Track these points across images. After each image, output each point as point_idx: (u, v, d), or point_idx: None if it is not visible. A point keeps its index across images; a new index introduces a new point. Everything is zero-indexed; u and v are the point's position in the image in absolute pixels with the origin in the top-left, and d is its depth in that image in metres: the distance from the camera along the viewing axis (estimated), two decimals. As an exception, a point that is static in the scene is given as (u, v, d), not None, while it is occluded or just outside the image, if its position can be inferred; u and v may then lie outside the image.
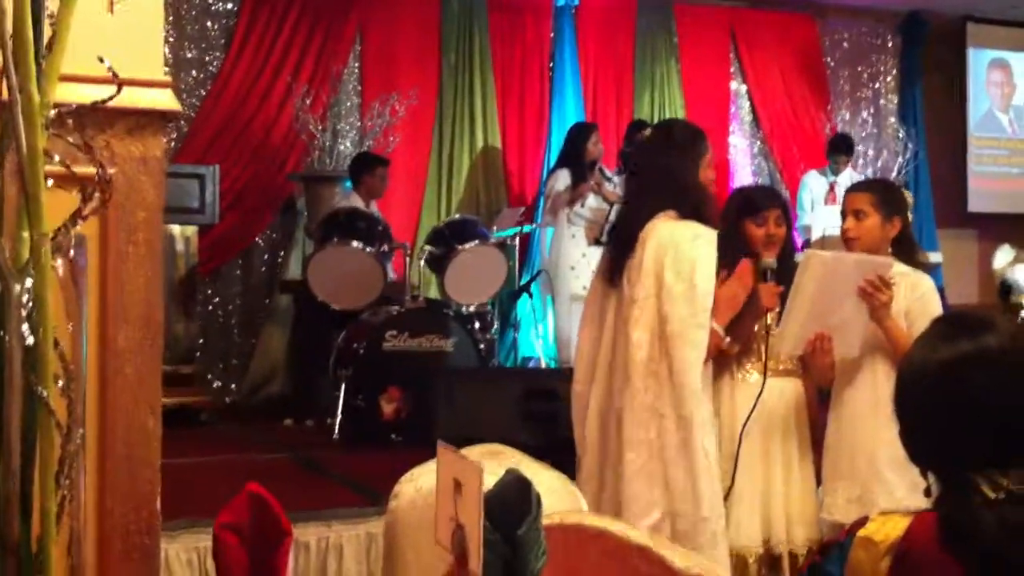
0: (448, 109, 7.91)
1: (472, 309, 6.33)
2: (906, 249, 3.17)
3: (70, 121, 1.36)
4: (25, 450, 1.27)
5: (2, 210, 1.29)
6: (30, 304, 1.26)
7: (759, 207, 3.22)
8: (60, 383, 1.29)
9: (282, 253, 7.44)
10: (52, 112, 1.34)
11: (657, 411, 2.93)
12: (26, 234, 1.27)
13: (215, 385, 7.07)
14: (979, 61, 9.76)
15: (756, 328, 3.16)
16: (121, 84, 1.44)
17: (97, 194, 1.31)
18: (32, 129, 1.27)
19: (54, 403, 1.28)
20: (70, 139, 1.33)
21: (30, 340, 1.25)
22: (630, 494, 2.93)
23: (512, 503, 1.48)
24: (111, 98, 1.37)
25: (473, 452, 2.17)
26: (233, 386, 7.19)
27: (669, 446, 2.92)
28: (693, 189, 3.05)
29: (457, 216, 6.84)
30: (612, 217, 6.23)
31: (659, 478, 2.93)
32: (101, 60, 1.33)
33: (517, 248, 6.98)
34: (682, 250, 2.95)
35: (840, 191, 7.95)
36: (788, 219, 3.29)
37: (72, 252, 1.32)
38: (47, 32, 1.36)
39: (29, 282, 1.25)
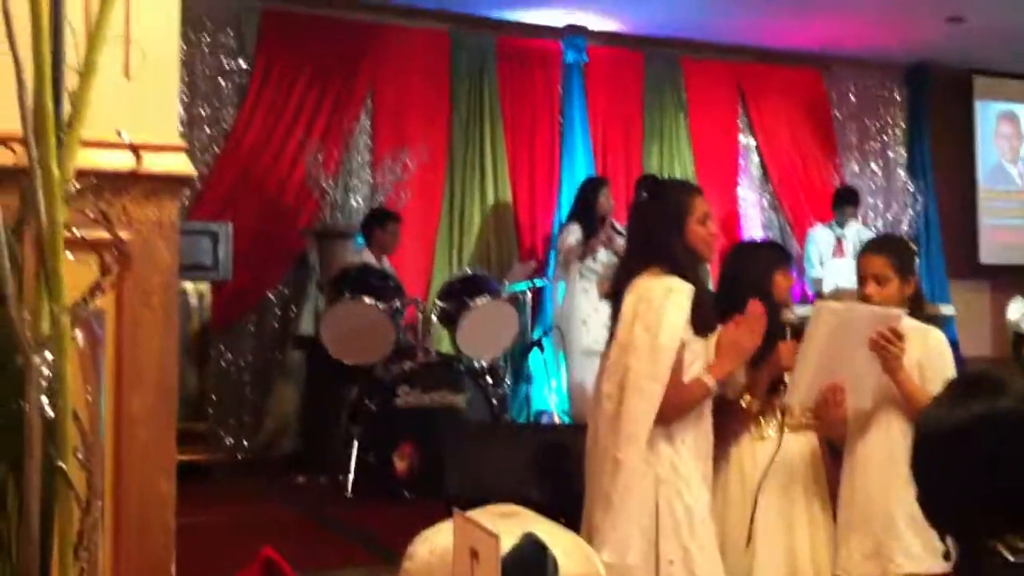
0: (459, 164, 7.96)
1: (484, 364, 6.33)
2: (917, 304, 3.18)
3: (90, 194, 1.38)
4: (44, 522, 1.27)
5: (22, 282, 1.30)
6: (50, 377, 1.26)
7: (789, 261, 3.26)
8: (79, 455, 1.30)
9: (294, 308, 7.46)
10: (73, 186, 1.35)
11: (613, 458, 2.94)
12: (46, 307, 1.28)
13: (227, 442, 7.05)
14: (987, 113, 9.80)
15: (773, 386, 3.15)
16: (139, 153, 1.46)
17: (115, 267, 1.32)
18: (52, 203, 1.29)
19: (73, 475, 1.29)
20: (89, 212, 1.35)
21: (49, 413, 1.26)
22: (590, 540, 2.93)
23: (528, 567, 1.47)
24: (134, 170, 1.39)
25: (487, 513, 2.16)
26: (245, 442, 7.17)
27: (598, 489, 2.95)
28: (673, 247, 3.06)
29: (468, 271, 6.86)
30: (620, 272, 6.24)
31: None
32: (119, 134, 1.35)
33: (529, 303, 6.98)
34: (653, 304, 2.98)
35: (847, 244, 7.98)
36: None
37: (91, 323, 1.33)
38: (66, 106, 1.39)
39: (49, 355, 1.26)
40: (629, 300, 3.04)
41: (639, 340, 2.96)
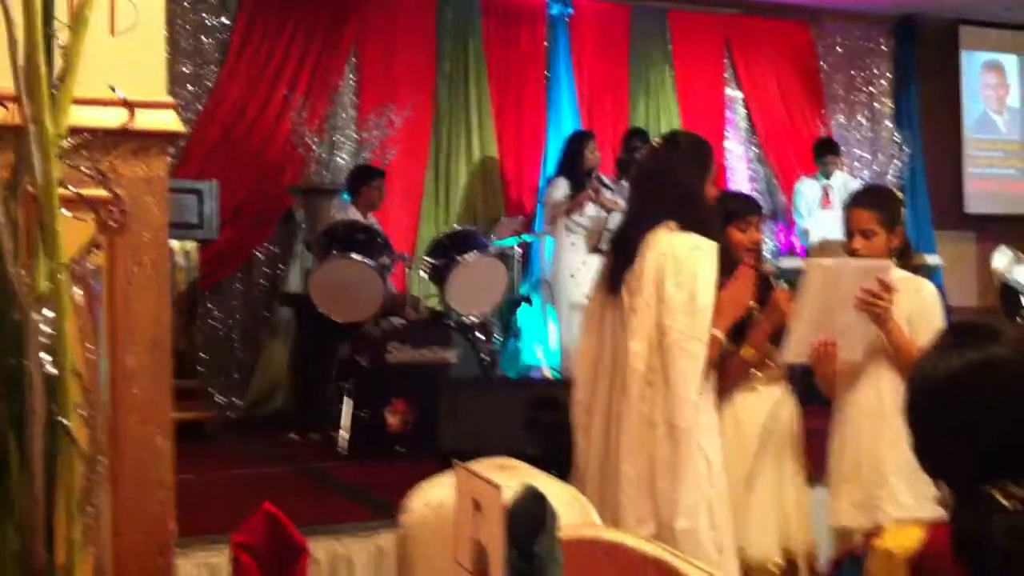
0: (444, 120, 7.93)
1: (474, 319, 6.33)
2: (904, 255, 3.19)
3: (83, 151, 1.37)
4: (48, 479, 1.27)
5: (18, 240, 1.30)
6: (49, 334, 1.26)
7: (744, 213, 3.25)
8: (81, 411, 1.30)
9: (282, 266, 7.45)
10: (66, 142, 1.35)
11: (652, 421, 2.92)
12: (43, 264, 1.27)
13: (218, 399, 7.06)
14: (973, 64, 9.79)
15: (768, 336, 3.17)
16: (132, 109, 1.45)
17: (112, 222, 1.32)
18: (47, 160, 1.28)
19: (76, 432, 1.29)
20: (84, 168, 1.34)
21: (50, 370, 1.26)
22: (624, 504, 2.94)
23: (528, 518, 1.48)
24: (125, 125, 1.38)
25: (482, 466, 2.17)
26: (236, 400, 7.19)
27: (660, 457, 2.92)
28: (698, 202, 3.04)
29: (456, 227, 6.85)
30: (611, 225, 6.24)
31: (651, 489, 2.93)
32: (113, 89, 1.34)
33: (517, 258, 6.98)
34: (682, 261, 2.94)
35: (834, 194, 7.99)
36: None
37: (89, 280, 1.32)
38: (59, 62, 1.37)
39: (48, 312, 1.26)
40: (649, 257, 2.98)
41: (673, 299, 2.92)
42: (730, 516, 2.99)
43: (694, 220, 3.02)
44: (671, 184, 3.09)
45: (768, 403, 3.20)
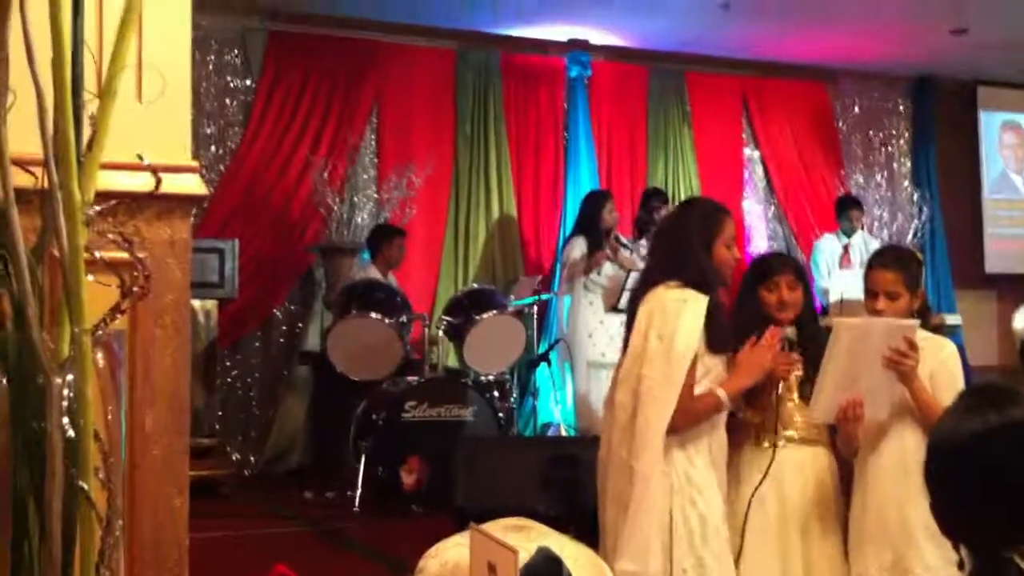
0: (464, 179, 7.99)
1: (491, 378, 6.34)
2: (924, 315, 3.19)
3: (108, 216, 1.40)
4: (66, 541, 1.28)
5: (43, 305, 1.32)
6: (71, 397, 1.28)
7: (770, 273, 3.25)
8: (100, 474, 1.31)
9: (301, 325, 7.48)
10: (92, 209, 1.37)
11: (629, 467, 2.95)
12: (67, 329, 1.29)
13: (235, 457, 7.07)
14: (991, 124, 9.82)
15: (772, 397, 3.17)
16: (159, 176, 1.48)
17: (136, 288, 1.34)
18: (73, 226, 1.31)
19: (94, 495, 1.30)
20: (110, 235, 1.36)
21: (71, 433, 1.27)
22: (606, 551, 2.93)
23: (544, 582, 1.48)
24: (153, 191, 1.40)
25: (498, 526, 2.17)
26: (252, 458, 7.19)
27: (631, 501, 2.93)
28: (699, 265, 3.08)
29: (475, 285, 6.88)
30: (629, 284, 6.26)
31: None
32: (140, 158, 1.37)
33: (535, 316, 7.00)
34: (668, 314, 2.99)
35: (854, 252, 7.98)
36: (805, 282, 3.31)
37: (112, 345, 1.34)
38: (86, 130, 1.40)
39: (70, 376, 1.27)
40: (643, 310, 3.06)
41: (653, 349, 2.97)
42: (704, 566, 2.97)
43: (693, 278, 3.06)
44: (676, 245, 3.14)
45: (787, 465, 3.17)
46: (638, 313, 3.07)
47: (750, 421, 3.15)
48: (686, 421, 2.95)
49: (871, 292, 3.17)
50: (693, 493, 2.95)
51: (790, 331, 3.19)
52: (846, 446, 3.17)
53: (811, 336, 3.22)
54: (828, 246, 8.23)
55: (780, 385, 3.13)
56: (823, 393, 3.03)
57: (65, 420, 1.27)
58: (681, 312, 2.98)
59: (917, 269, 3.26)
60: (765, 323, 3.15)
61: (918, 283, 3.19)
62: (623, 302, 5.94)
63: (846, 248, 8.14)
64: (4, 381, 1.36)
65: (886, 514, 3.05)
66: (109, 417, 1.37)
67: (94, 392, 1.32)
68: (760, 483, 3.09)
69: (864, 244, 8.01)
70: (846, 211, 8.16)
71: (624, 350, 3.16)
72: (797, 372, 3.17)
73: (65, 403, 1.28)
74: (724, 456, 3.09)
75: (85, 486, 1.28)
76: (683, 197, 7.83)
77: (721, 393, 3.00)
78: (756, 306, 3.21)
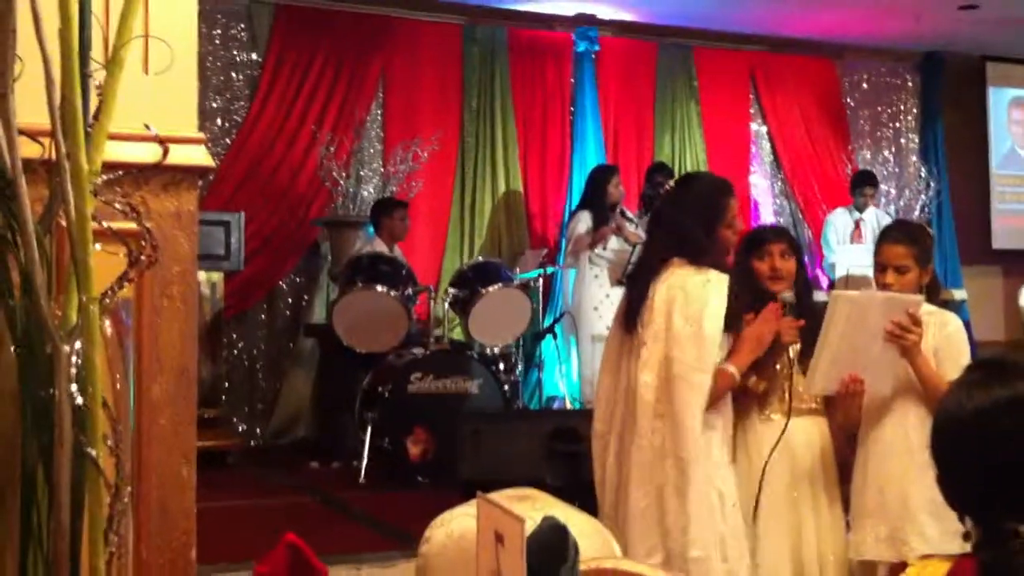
0: (470, 153, 7.99)
1: (496, 350, 6.35)
2: (933, 291, 3.19)
3: (115, 187, 1.40)
4: (74, 508, 1.30)
5: (51, 273, 1.33)
6: (79, 365, 1.29)
7: (760, 242, 3.25)
8: (109, 442, 1.33)
9: (306, 297, 7.50)
10: (99, 179, 1.38)
11: (662, 453, 2.95)
12: (75, 297, 1.30)
13: (240, 428, 7.11)
14: (999, 99, 9.77)
15: (779, 367, 3.17)
16: (166, 146, 1.48)
17: (143, 257, 1.35)
18: (81, 195, 1.31)
19: (102, 462, 1.31)
20: (117, 205, 1.37)
21: (79, 400, 1.28)
22: (633, 536, 2.96)
23: (550, 550, 1.49)
24: (159, 162, 1.41)
25: (503, 496, 2.18)
26: (258, 429, 7.24)
27: (668, 488, 2.94)
28: (704, 243, 3.08)
29: (480, 259, 6.88)
30: (634, 259, 6.26)
31: (660, 520, 2.95)
32: (147, 127, 1.38)
33: (540, 290, 7.01)
34: (691, 294, 2.98)
35: (865, 228, 7.97)
36: (798, 253, 3.31)
37: (119, 313, 1.35)
38: (94, 100, 1.41)
39: (78, 344, 1.28)
40: (661, 290, 3.03)
41: (681, 331, 2.96)
42: (746, 550, 2.99)
43: (703, 256, 3.05)
44: (676, 225, 3.13)
45: (794, 435, 3.18)
46: (655, 293, 3.04)
47: (755, 391, 3.15)
48: (712, 402, 2.97)
49: (880, 265, 3.17)
50: (711, 470, 2.95)
51: (788, 295, 3.19)
52: (847, 421, 3.18)
53: (808, 308, 3.23)
54: (840, 220, 8.22)
55: (790, 350, 3.13)
56: (820, 364, 3.03)
57: (74, 387, 1.29)
58: (705, 293, 2.97)
59: (928, 244, 3.25)
60: (759, 294, 3.15)
61: (928, 258, 3.19)
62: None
63: (858, 223, 8.12)
64: (13, 350, 1.38)
65: (887, 489, 3.06)
66: (117, 385, 1.38)
67: (102, 360, 1.33)
68: (770, 455, 3.10)
69: (876, 220, 8.00)
70: (860, 187, 8.14)
71: (626, 324, 3.15)
72: (796, 344, 3.18)
73: (73, 371, 1.29)
74: (731, 431, 3.10)
75: (94, 452, 1.29)
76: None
77: (732, 369, 3.01)
78: (749, 277, 3.20)
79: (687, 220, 3.12)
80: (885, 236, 3.27)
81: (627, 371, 3.13)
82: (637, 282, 3.19)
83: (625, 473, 3.05)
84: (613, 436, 3.15)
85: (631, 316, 3.13)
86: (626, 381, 3.12)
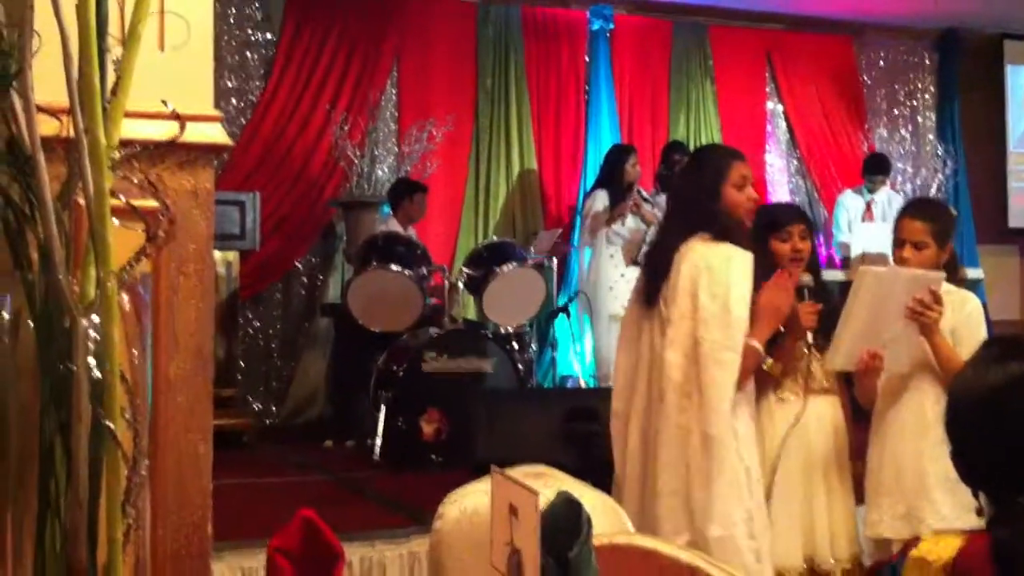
0: (484, 133, 7.98)
1: (511, 330, 6.36)
2: (951, 269, 3.18)
3: (134, 161, 1.41)
4: (92, 481, 1.31)
5: (69, 248, 1.33)
6: (97, 339, 1.30)
7: (783, 223, 3.24)
8: (126, 415, 1.34)
9: (321, 277, 7.52)
10: (117, 154, 1.38)
11: (688, 431, 2.95)
12: (93, 272, 1.31)
13: (256, 407, 7.15)
14: (1018, 78, 9.70)
15: (798, 348, 3.17)
16: (183, 123, 1.49)
17: (161, 232, 1.35)
18: (99, 170, 1.32)
19: (120, 435, 1.32)
20: (135, 179, 1.38)
21: (97, 374, 1.29)
22: (662, 516, 2.96)
23: (563, 525, 1.50)
24: (176, 138, 1.42)
25: (517, 474, 2.19)
26: (274, 408, 7.27)
27: (695, 466, 2.94)
28: (716, 213, 3.06)
29: (495, 238, 6.88)
30: (650, 238, 6.25)
31: (688, 500, 2.95)
32: (164, 103, 1.38)
33: (555, 269, 7.01)
34: (716, 272, 2.96)
35: (877, 209, 7.93)
36: (812, 236, 3.30)
37: (137, 288, 1.36)
38: (111, 76, 1.41)
39: (96, 318, 1.29)
40: (684, 269, 3.01)
41: (707, 310, 2.95)
42: (768, 525, 3.00)
43: (718, 231, 3.04)
44: (689, 200, 3.13)
45: (809, 416, 3.18)
46: (678, 271, 3.02)
47: (772, 372, 3.15)
48: (742, 379, 2.96)
49: (899, 241, 3.15)
50: (739, 447, 2.95)
51: (807, 278, 3.19)
52: (864, 397, 3.18)
53: (822, 288, 3.22)
54: (850, 202, 8.19)
55: (808, 335, 3.13)
56: (844, 339, 3.02)
57: (91, 361, 1.30)
58: (730, 270, 2.96)
59: (948, 222, 3.24)
60: (771, 272, 3.14)
61: (948, 236, 3.17)
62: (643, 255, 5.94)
63: (869, 204, 8.09)
64: (31, 324, 1.39)
65: (903, 467, 3.07)
66: (135, 360, 1.39)
67: (120, 334, 1.34)
68: (787, 434, 3.10)
69: (888, 200, 7.97)
70: (873, 172, 8.10)
71: (648, 300, 3.14)
72: (814, 327, 3.17)
73: (91, 345, 1.30)
74: (755, 405, 3.10)
75: (111, 426, 1.31)
76: (703, 151, 7.79)
77: (755, 343, 2.99)
78: (767, 256, 3.19)
79: (692, 185, 3.12)
80: (905, 211, 3.27)
81: (649, 350, 3.11)
82: (657, 258, 3.17)
83: (651, 454, 3.04)
84: (634, 414, 3.14)
85: (651, 293, 3.12)
86: (648, 360, 3.11)
